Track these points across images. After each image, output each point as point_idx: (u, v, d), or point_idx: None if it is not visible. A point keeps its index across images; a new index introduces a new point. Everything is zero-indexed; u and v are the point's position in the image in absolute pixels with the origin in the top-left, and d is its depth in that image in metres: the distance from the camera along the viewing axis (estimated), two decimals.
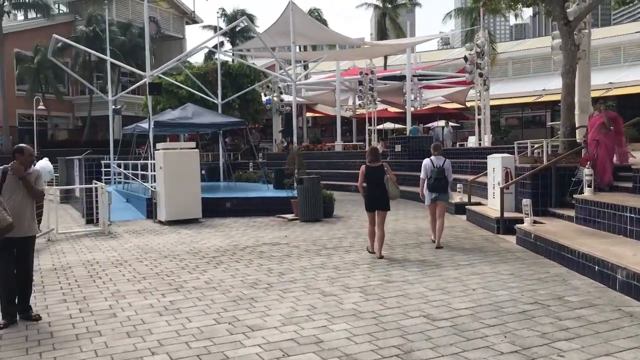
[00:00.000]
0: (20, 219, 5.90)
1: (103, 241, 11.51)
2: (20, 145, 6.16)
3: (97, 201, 13.45)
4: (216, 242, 10.88)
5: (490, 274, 7.69)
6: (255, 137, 31.84)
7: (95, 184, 14.05)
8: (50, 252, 10.45)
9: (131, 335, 5.44)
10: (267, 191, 17.40)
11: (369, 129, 26.47)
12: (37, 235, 11.63)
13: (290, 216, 14.00)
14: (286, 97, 30.63)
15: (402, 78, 28.75)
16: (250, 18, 43.27)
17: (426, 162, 10.20)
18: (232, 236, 11.60)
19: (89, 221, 14.21)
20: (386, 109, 34.79)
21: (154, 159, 15.16)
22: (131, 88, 26.49)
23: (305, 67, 31.72)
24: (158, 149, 14.44)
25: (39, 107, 34.77)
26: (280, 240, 10.88)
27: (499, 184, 11.77)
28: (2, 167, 5.96)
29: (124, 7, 43.52)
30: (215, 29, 36.40)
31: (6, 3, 35.66)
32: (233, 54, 31.25)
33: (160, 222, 14.00)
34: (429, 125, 33.66)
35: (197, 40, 24.67)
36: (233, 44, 44.46)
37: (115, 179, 22.72)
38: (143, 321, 5.88)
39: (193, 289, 7.25)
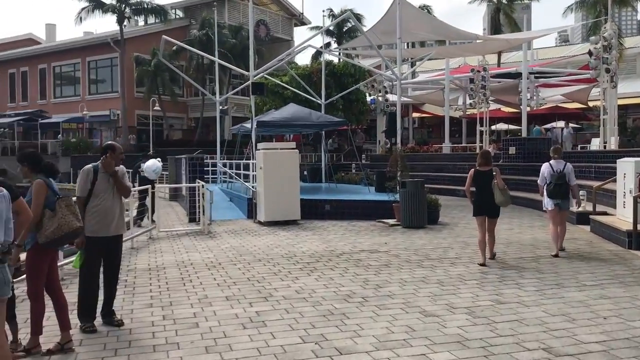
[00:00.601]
0: (110, 218, 5.72)
1: (201, 241, 11.41)
2: (111, 142, 6.01)
3: (199, 200, 13.49)
4: (312, 247, 10.38)
5: (624, 298, 6.53)
6: (360, 137, 31.28)
7: (198, 182, 14.12)
8: (149, 250, 10.46)
9: (209, 350, 5.00)
10: (368, 194, 16.73)
11: (480, 130, 24.98)
12: (141, 232, 11.92)
13: (391, 221, 13.24)
14: (392, 97, 29.78)
15: (517, 76, 26.91)
16: (358, 18, 42.80)
17: (545, 166, 9.56)
18: (329, 240, 11.06)
19: (192, 220, 14.30)
20: (499, 108, 32.88)
21: (255, 159, 15.04)
22: (237, 89, 26.97)
23: (412, 65, 30.66)
24: (259, 149, 14.27)
25: (155, 107, 36.44)
26: (379, 248, 10.17)
27: (631, 192, 10.32)
28: (92, 164, 5.79)
29: (235, 10, 44.68)
30: (322, 33, 36.32)
31: (127, 10, 37.73)
32: (340, 53, 30.88)
33: (260, 223, 13.79)
34: (547, 126, 31.42)
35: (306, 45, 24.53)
36: (340, 44, 44.23)
37: (221, 178, 23.14)
38: (225, 334, 5.44)
39: (282, 298, 6.75)
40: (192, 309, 6.36)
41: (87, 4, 37.02)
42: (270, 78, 26.01)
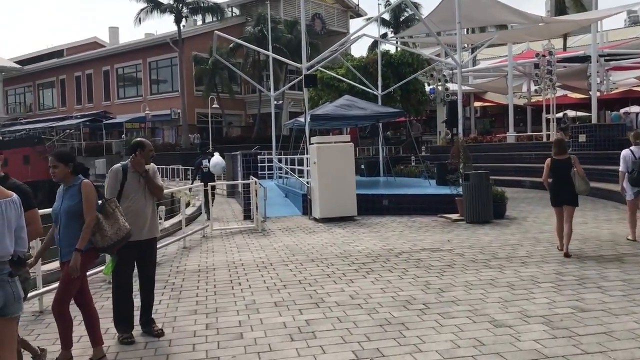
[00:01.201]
0: (142, 221, 5.30)
1: (255, 239, 11.04)
2: (141, 139, 5.59)
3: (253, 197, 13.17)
4: (369, 245, 9.79)
5: None
6: (416, 128, 30.35)
7: (252, 179, 13.80)
8: (201, 250, 10.16)
9: None
10: (429, 187, 15.96)
11: (547, 118, 23.60)
12: (195, 230, 11.68)
13: (454, 216, 12.46)
14: (452, 86, 28.65)
15: (585, 59, 25.27)
16: (416, 6, 41.65)
17: (625, 152, 8.98)
18: (387, 238, 10.43)
19: (247, 217, 14.01)
20: (566, 95, 31.12)
21: (309, 154, 14.60)
22: (290, 84, 26.68)
23: (473, 51, 29.44)
24: (312, 143, 13.80)
25: (214, 105, 36.66)
26: (441, 246, 9.46)
27: None
28: (121, 163, 5.40)
29: (290, 6, 44.37)
30: (378, 20, 35.50)
31: (184, 9, 38.08)
32: (397, 41, 30.00)
33: (315, 219, 13.32)
34: (622, 111, 29.51)
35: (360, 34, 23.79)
36: (397, 34, 43.19)
37: (277, 173, 22.88)
38: (270, 347, 4.95)
39: (335, 304, 6.21)
40: (237, 316, 5.92)
41: (145, 5, 37.61)
42: (325, 71, 25.50)
